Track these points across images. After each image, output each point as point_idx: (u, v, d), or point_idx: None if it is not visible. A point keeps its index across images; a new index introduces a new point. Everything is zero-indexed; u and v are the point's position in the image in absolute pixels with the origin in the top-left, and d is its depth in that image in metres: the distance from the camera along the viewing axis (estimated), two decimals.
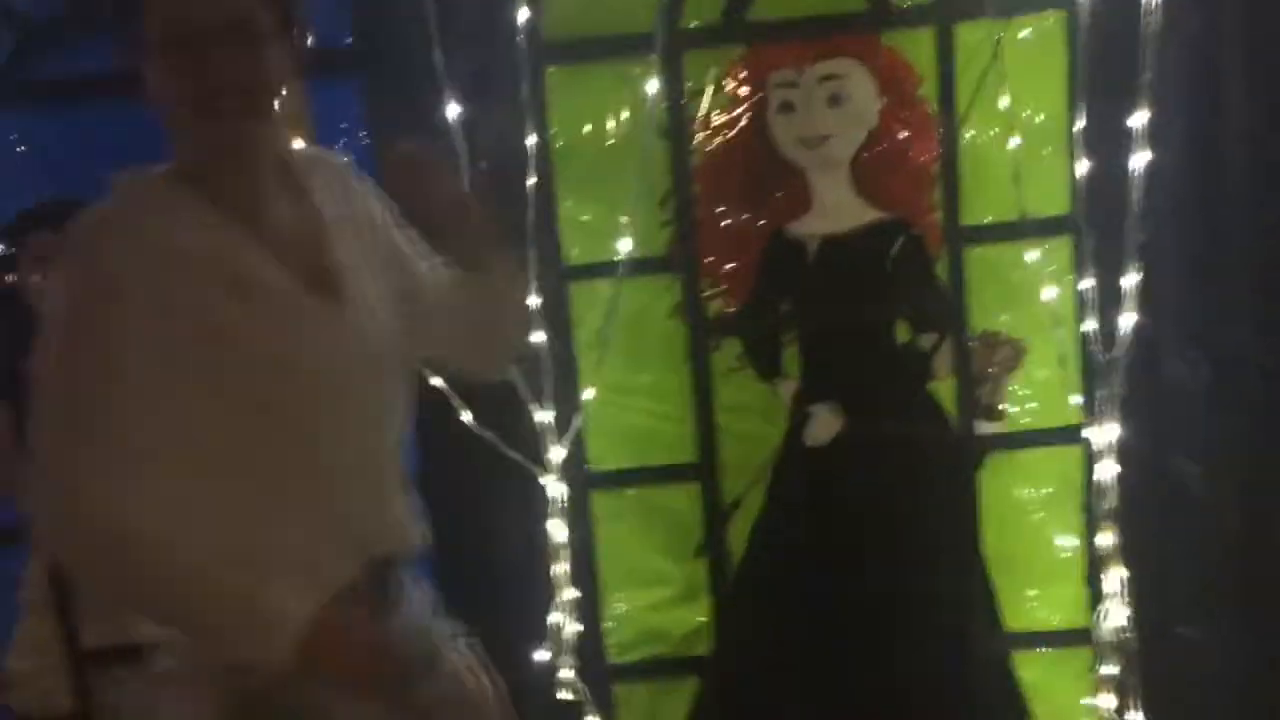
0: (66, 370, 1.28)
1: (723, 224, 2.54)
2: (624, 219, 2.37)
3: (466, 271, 1.57)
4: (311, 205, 1.44)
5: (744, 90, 2.48)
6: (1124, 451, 2.37)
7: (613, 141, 2.53)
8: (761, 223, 2.54)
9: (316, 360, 1.37)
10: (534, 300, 2.29)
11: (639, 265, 2.45)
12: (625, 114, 2.51)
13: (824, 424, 2.53)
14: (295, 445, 1.37)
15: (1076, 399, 2.45)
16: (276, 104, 1.38)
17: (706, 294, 2.54)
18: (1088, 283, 2.30)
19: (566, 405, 2.39)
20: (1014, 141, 2.33)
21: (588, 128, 2.50)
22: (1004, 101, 2.30)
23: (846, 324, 2.55)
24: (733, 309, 2.57)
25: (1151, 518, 2.46)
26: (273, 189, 1.41)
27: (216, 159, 1.37)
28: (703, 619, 2.64)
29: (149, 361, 1.28)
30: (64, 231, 1.34)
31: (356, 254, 1.45)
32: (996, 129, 2.40)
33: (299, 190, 1.44)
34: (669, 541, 2.65)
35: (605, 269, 2.42)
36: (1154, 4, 2.10)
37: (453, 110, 2.23)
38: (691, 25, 2.43)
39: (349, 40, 2.41)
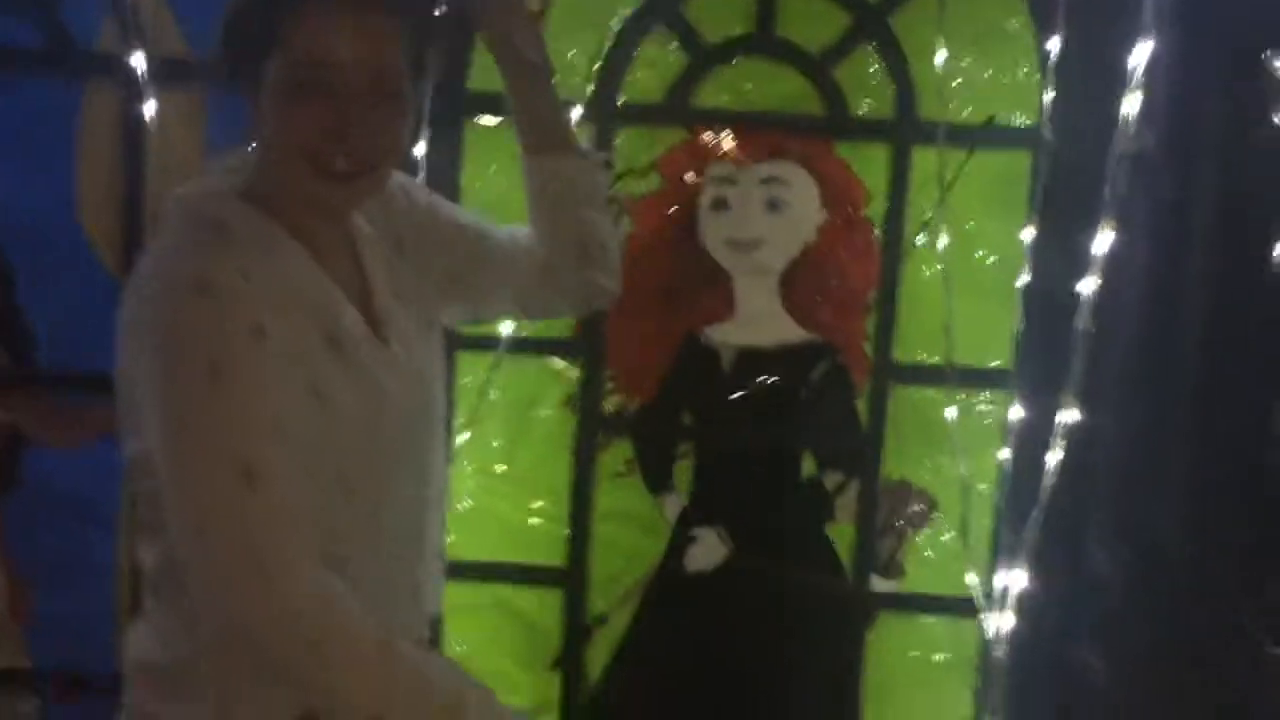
0: (221, 420, 1.13)
1: (635, 316, 2.33)
2: None
3: (543, 147, 1.47)
4: (363, 232, 1.35)
5: (678, 179, 2.30)
6: (1023, 637, 2.18)
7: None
8: (677, 322, 2.36)
9: (387, 409, 1.27)
10: None
11: (537, 344, 2.30)
12: None
13: (708, 549, 2.35)
14: (372, 501, 1.26)
15: (977, 576, 2.24)
16: (390, 172, 1.31)
17: (606, 388, 2.36)
18: (1007, 453, 2.12)
19: None
20: (952, 284, 2.17)
21: (501, 186, 2.31)
22: (943, 240, 2.14)
23: (750, 446, 2.37)
24: (631, 409, 2.38)
25: (1044, 710, 2.27)
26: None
27: (319, 213, 1.28)
28: None
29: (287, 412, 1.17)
30: (160, 280, 1.18)
31: (396, 281, 1.36)
32: (941, 265, 2.23)
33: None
34: (523, 648, 2.44)
35: (497, 341, 2.24)
36: (1120, 157, 1.96)
37: None
38: (631, 101, 2.27)
39: None
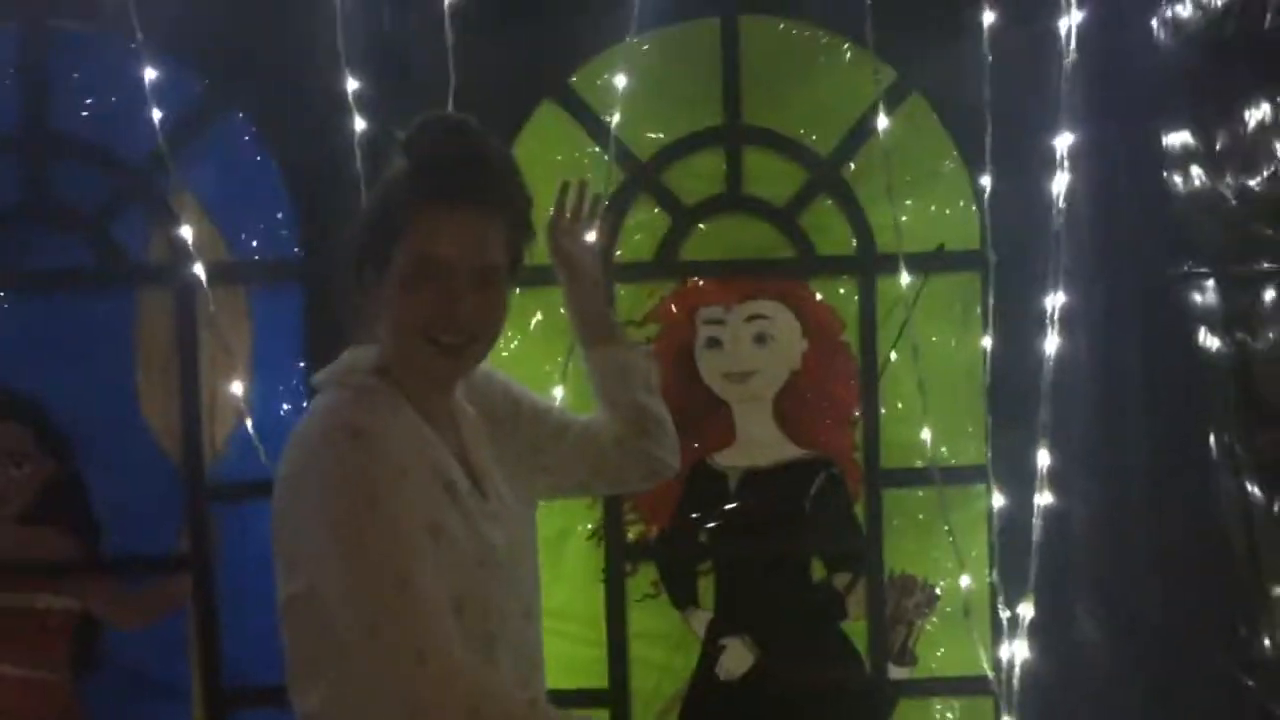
0: (379, 540, 1.34)
1: None
2: None
3: (598, 340, 1.74)
4: (461, 408, 1.55)
5: (674, 323, 2.57)
6: (1030, 707, 2.37)
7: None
8: (685, 452, 2.56)
9: (493, 548, 1.46)
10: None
11: None
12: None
13: (737, 657, 2.53)
14: (484, 626, 1.44)
15: (984, 651, 2.44)
16: (490, 345, 1.50)
17: (626, 519, 2.57)
18: (995, 536, 2.35)
19: None
20: (927, 395, 2.41)
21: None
22: (914, 356, 2.39)
23: (763, 557, 2.59)
24: (651, 535, 2.58)
25: None
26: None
27: (433, 384, 1.48)
28: None
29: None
30: (317, 431, 1.40)
31: (494, 444, 1.56)
32: (915, 378, 2.47)
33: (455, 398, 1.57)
34: None
35: None
36: (1057, 271, 2.24)
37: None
38: (626, 259, 2.54)
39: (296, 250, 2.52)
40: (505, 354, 2.47)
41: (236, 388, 2.41)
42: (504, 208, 1.46)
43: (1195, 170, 1.99)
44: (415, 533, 1.36)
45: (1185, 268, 2.05)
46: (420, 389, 1.48)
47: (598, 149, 2.50)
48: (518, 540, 1.53)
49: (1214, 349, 1.94)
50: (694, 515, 2.57)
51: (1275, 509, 1.78)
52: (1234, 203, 1.82)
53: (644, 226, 2.56)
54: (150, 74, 2.37)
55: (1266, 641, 1.78)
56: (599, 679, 2.52)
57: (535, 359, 2.51)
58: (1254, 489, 1.84)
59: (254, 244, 2.51)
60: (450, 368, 1.47)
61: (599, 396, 1.76)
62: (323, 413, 1.43)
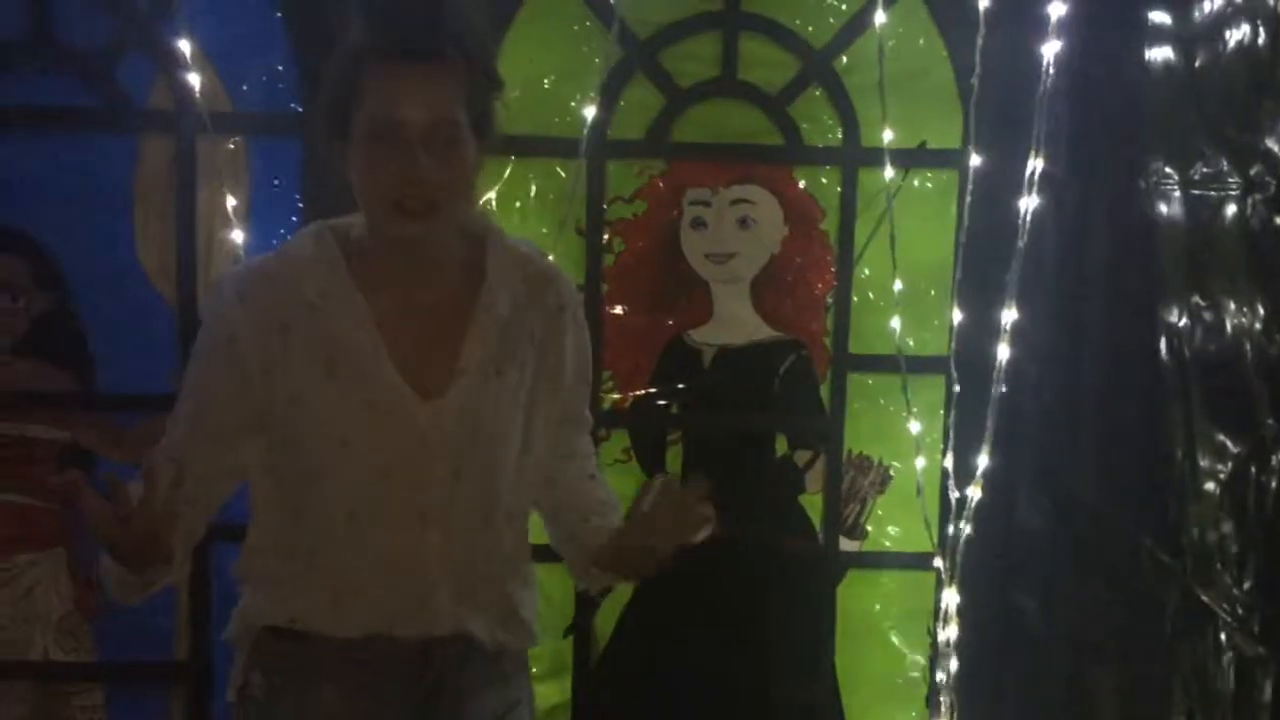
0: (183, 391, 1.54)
1: (626, 323, 2.67)
2: None
3: (591, 555, 1.66)
4: (469, 297, 1.53)
5: (661, 202, 2.65)
6: (970, 582, 2.54)
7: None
8: (663, 326, 2.69)
9: (381, 451, 1.50)
10: None
11: None
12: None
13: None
14: (346, 512, 1.51)
15: (931, 528, 2.60)
16: (458, 204, 1.48)
17: (604, 387, 2.67)
18: (951, 422, 2.49)
19: None
20: (898, 285, 2.53)
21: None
22: (893, 245, 2.49)
23: (731, 431, 2.72)
24: (625, 404, 2.70)
25: (989, 648, 2.63)
26: (434, 278, 1.53)
27: (394, 248, 1.49)
28: (564, 697, 2.72)
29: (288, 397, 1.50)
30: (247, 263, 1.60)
31: (498, 360, 1.54)
32: (887, 268, 2.58)
33: (471, 280, 1.54)
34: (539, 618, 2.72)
35: None
36: (1033, 173, 2.34)
37: None
38: (618, 138, 2.59)
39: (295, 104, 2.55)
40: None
41: (233, 236, 2.47)
42: (460, 61, 1.42)
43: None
44: (202, 387, 1.52)
45: (1153, 182, 2.14)
46: (385, 261, 1.50)
47: (599, 23, 2.54)
48: (460, 442, 1.52)
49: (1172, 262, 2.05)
50: (666, 388, 2.69)
51: (1219, 437, 1.89)
52: (1208, 118, 1.91)
53: (637, 105, 2.61)
54: None
55: (1195, 530, 1.92)
56: None
57: (530, 230, 2.58)
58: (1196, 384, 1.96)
59: (254, 96, 2.54)
60: (417, 230, 1.45)
61: (575, 535, 1.71)
62: (268, 256, 1.58)
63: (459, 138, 1.43)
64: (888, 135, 2.50)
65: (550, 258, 1.78)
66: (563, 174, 2.58)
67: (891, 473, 2.69)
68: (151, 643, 2.64)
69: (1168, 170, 2.04)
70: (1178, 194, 2.00)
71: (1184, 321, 1.97)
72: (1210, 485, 1.87)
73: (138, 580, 1.43)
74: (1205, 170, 1.91)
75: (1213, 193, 1.88)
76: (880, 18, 2.45)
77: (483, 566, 1.59)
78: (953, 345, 2.55)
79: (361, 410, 1.49)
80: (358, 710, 1.55)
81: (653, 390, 2.69)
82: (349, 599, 1.54)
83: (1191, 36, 1.97)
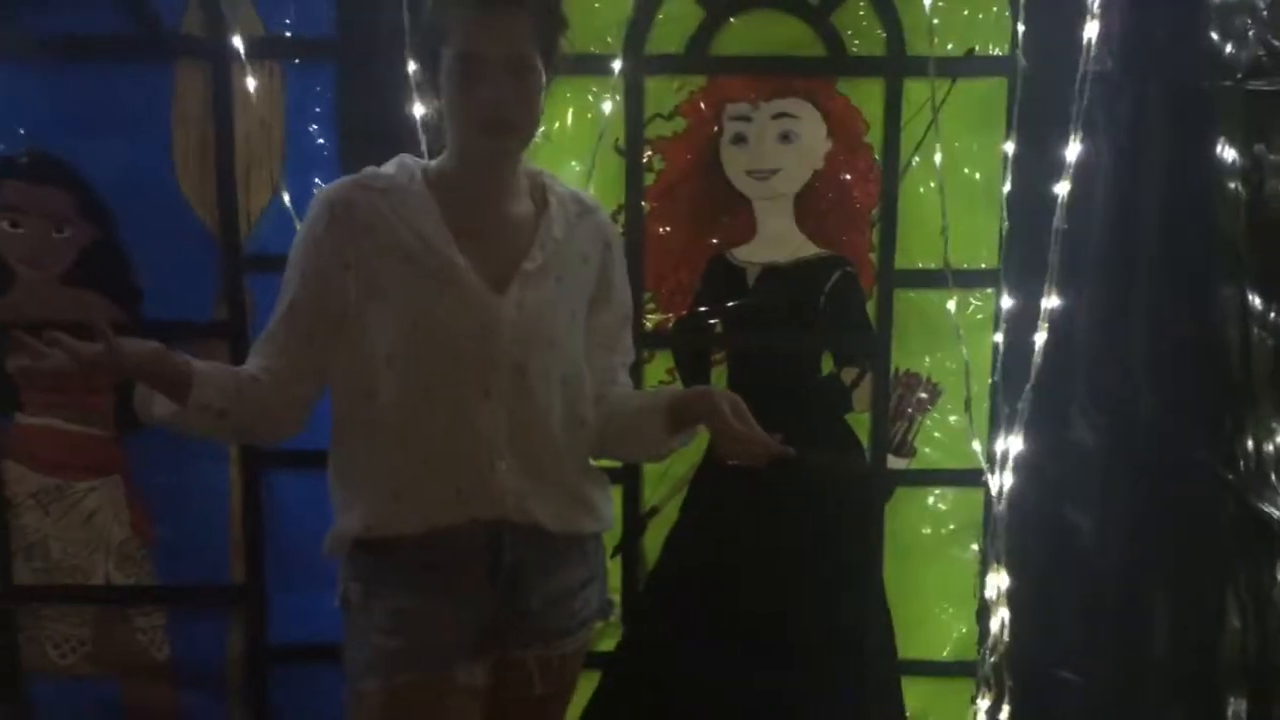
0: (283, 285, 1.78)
1: (668, 242, 2.65)
2: None
3: (655, 416, 1.84)
4: (533, 220, 1.79)
5: (701, 118, 2.60)
6: (1020, 499, 2.51)
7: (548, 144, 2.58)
8: (705, 245, 2.66)
9: (455, 330, 1.70)
10: None
11: None
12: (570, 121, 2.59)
13: None
14: (419, 389, 1.71)
15: (980, 445, 2.57)
16: (529, 124, 1.73)
17: (647, 307, 2.66)
18: (1000, 338, 2.44)
19: None
20: (945, 197, 2.47)
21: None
22: (939, 158, 2.43)
23: (776, 349, 2.69)
24: (669, 324, 2.68)
25: (1041, 564, 2.61)
26: (504, 196, 1.78)
27: (472, 165, 1.76)
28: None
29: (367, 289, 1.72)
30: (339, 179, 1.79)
31: (557, 269, 1.78)
32: (934, 182, 2.53)
33: (534, 205, 1.81)
34: None
35: None
36: (1085, 78, 2.26)
37: (418, 109, 2.35)
38: (656, 53, 2.55)
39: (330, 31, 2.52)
40: (540, 142, 2.51)
41: (271, 162, 2.46)
42: (532, 6, 1.69)
43: None
44: (293, 288, 1.74)
45: (1210, 81, 2.07)
46: (464, 177, 1.76)
47: None
48: (524, 332, 1.73)
49: (1230, 160, 1.98)
50: (710, 307, 2.66)
51: (1272, 316, 1.86)
52: (1265, 12, 1.84)
53: (675, 19, 2.55)
54: None
55: (1250, 442, 1.89)
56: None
57: (569, 150, 2.56)
58: (1253, 297, 1.92)
59: (289, 21, 2.51)
60: (498, 145, 1.73)
61: (643, 422, 1.86)
62: (360, 175, 1.79)
63: (531, 68, 1.70)
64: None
65: (592, 189, 1.96)
66: (601, 92, 2.55)
67: (940, 389, 2.65)
68: (207, 567, 2.70)
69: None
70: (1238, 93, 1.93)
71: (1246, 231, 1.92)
72: (1266, 394, 1.83)
73: (176, 408, 1.73)
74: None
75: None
76: None
77: (546, 456, 1.77)
78: (1001, 258, 2.50)
79: (434, 295, 1.70)
80: (434, 612, 1.73)
81: (697, 310, 2.67)
82: (409, 495, 1.72)
83: None
